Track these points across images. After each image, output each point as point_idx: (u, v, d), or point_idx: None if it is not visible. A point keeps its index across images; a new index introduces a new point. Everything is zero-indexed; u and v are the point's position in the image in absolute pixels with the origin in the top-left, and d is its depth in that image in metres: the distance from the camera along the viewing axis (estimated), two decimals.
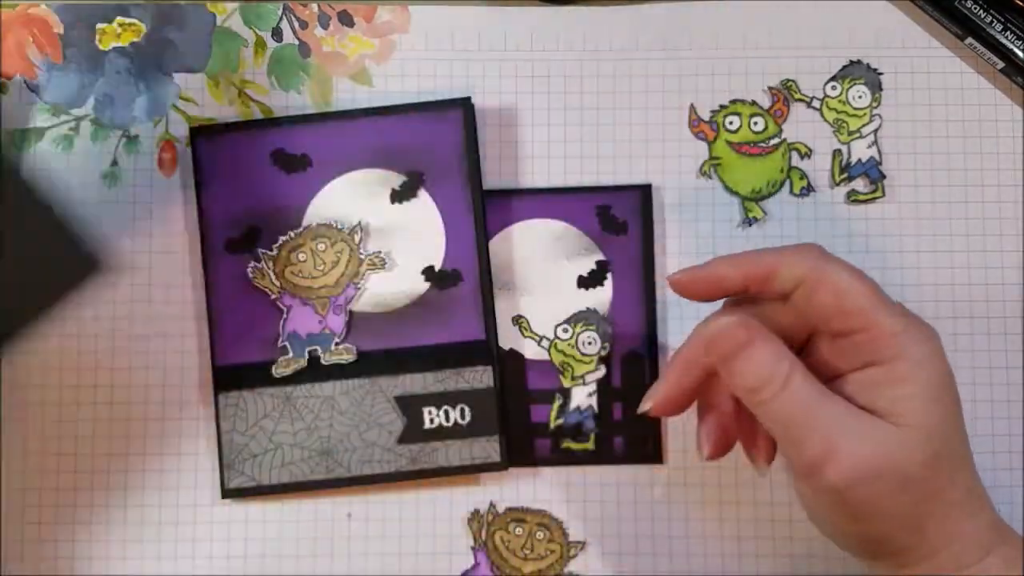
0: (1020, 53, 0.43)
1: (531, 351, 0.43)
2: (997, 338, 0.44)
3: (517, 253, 0.44)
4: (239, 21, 0.45)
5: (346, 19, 0.45)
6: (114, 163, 0.44)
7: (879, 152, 0.45)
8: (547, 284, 0.44)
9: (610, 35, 0.45)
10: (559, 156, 0.45)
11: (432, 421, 0.39)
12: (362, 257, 0.40)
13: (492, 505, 0.43)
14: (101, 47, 0.45)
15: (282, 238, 0.40)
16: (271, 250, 0.40)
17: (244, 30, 0.45)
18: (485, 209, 0.40)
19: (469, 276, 0.40)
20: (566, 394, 0.43)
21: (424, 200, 0.40)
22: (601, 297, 0.44)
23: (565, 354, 0.43)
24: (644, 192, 0.44)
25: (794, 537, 0.43)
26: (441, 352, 0.40)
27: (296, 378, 0.40)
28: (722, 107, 0.45)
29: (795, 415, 0.31)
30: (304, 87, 0.45)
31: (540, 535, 0.43)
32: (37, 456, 0.43)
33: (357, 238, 0.40)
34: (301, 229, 0.40)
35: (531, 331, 0.43)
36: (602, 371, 0.43)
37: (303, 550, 0.42)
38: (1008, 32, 0.43)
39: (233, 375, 0.40)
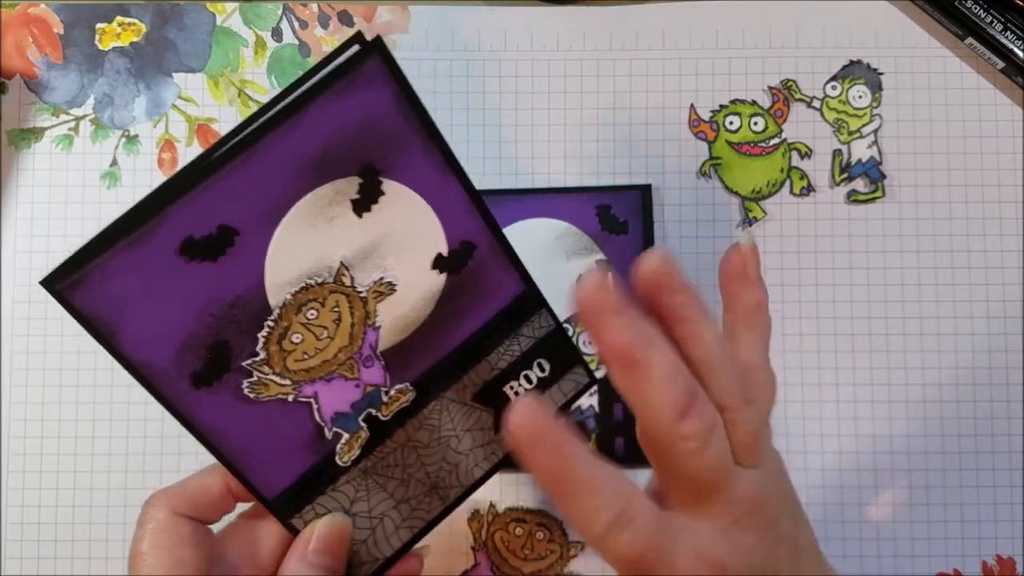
0: (1020, 53, 0.43)
1: None
2: (997, 338, 0.44)
3: (517, 253, 0.43)
4: (239, 21, 0.45)
5: (346, 19, 0.45)
6: (113, 163, 0.44)
7: (879, 152, 0.45)
8: (547, 283, 0.44)
9: (610, 35, 0.45)
10: (559, 156, 0.45)
11: (517, 393, 0.35)
12: (363, 295, 0.32)
13: (492, 505, 0.43)
14: (101, 47, 0.45)
15: (259, 334, 0.31)
16: (256, 355, 0.31)
17: (244, 30, 0.45)
18: (458, 160, 0.32)
19: (481, 238, 0.33)
20: None
21: (393, 191, 0.32)
22: None
23: None
24: (644, 192, 0.44)
25: None
26: (492, 327, 0.35)
27: (365, 449, 0.34)
28: (722, 107, 0.45)
29: None
30: None
31: (540, 535, 0.43)
32: (37, 456, 0.43)
33: (347, 279, 0.32)
34: (275, 312, 0.31)
35: None
36: (602, 371, 0.43)
37: None
38: (1008, 32, 0.43)
39: (294, 497, 0.33)
